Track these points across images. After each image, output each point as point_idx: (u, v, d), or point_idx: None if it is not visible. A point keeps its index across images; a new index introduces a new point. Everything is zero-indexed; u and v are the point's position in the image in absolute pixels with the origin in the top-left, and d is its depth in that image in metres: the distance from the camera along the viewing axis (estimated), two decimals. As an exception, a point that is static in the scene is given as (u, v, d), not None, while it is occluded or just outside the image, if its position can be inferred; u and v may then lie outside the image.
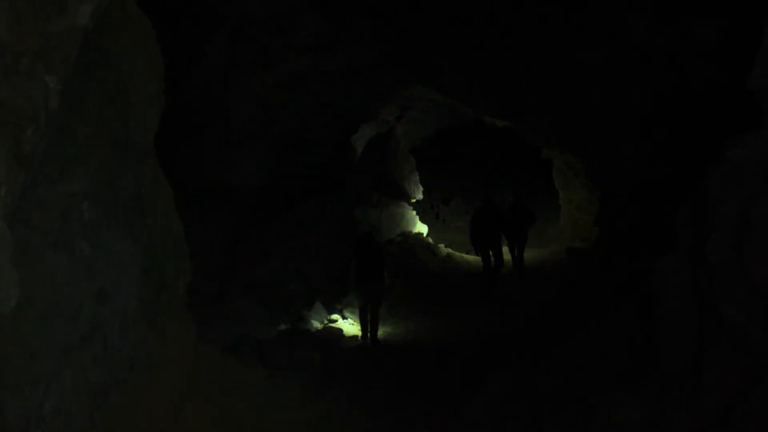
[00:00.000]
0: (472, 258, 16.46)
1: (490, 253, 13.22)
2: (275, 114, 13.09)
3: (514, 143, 19.35)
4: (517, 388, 7.00)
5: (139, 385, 4.54)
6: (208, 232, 11.64)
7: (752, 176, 4.36)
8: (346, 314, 12.09)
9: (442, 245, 17.43)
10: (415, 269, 15.01)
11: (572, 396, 6.03)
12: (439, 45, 11.36)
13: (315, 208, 13.83)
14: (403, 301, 12.97)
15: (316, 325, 11.49)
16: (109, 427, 4.23)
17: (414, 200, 18.09)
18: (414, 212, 17.75)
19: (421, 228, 17.94)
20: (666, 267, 5.24)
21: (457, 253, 17.23)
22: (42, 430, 3.59)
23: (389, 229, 16.34)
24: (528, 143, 17.47)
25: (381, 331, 11.05)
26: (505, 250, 14.26)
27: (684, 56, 8.29)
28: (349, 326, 11.65)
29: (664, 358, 5.25)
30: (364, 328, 10.89)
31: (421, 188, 18.49)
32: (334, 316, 11.97)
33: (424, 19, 10.75)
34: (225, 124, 12.72)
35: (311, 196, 13.87)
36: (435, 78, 13.14)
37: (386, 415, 7.01)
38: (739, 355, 4.38)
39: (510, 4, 9.47)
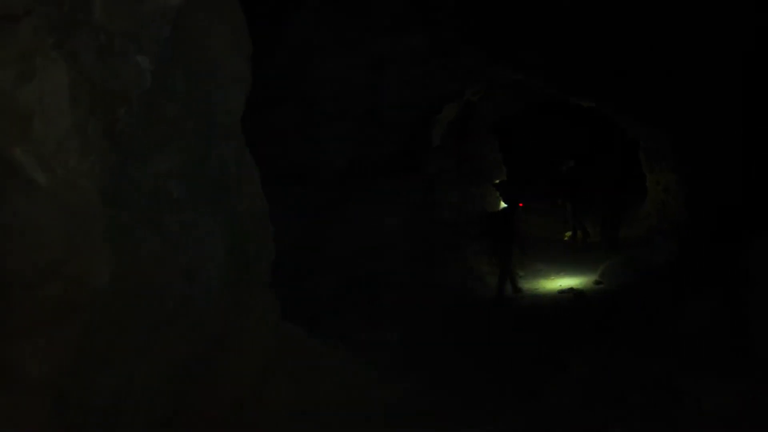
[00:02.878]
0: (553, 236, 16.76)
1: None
2: (355, 95, 13.08)
3: (600, 124, 18.85)
4: (600, 371, 6.87)
5: (223, 362, 4.61)
6: (289, 211, 11.74)
7: None
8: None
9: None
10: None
11: (657, 381, 5.87)
12: (522, 22, 11.12)
13: (394, 189, 13.79)
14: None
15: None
16: (194, 403, 4.32)
17: (497, 181, 17.84)
18: (497, 193, 17.54)
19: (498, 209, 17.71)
20: (763, 246, 5.00)
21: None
22: (131, 402, 3.68)
23: (470, 210, 16.20)
24: (614, 124, 17.01)
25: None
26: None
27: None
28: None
29: (758, 345, 5.03)
30: (497, 291, 12.28)
31: (503, 169, 18.22)
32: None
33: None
34: (305, 106, 12.78)
35: (390, 176, 13.84)
36: (518, 57, 12.89)
37: (467, 395, 6.96)
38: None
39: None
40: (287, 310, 6.05)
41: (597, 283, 12.88)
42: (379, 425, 5.94)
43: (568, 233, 17.19)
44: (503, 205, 15.56)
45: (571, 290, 12.50)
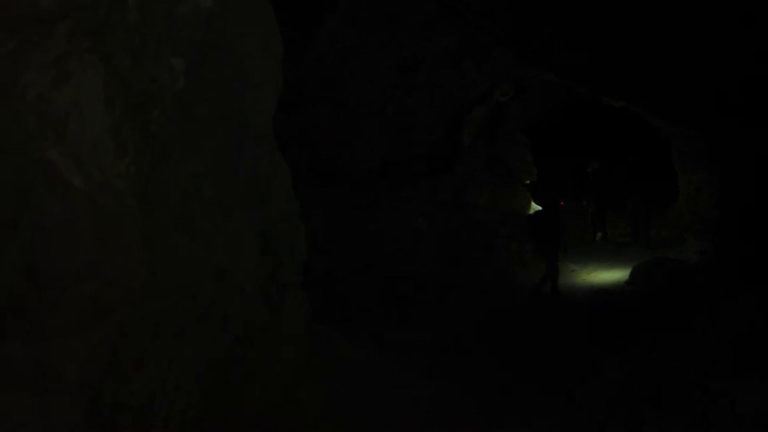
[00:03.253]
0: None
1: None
2: (387, 96, 13.09)
3: (631, 124, 18.65)
4: (633, 372, 6.80)
5: (255, 363, 4.62)
6: (321, 212, 11.78)
7: None
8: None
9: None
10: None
11: (691, 383, 5.80)
12: (554, 23, 11.04)
13: (425, 190, 13.78)
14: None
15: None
16: (226, 403, 4.33)
17: (527, 181, 17.76)
18: (528, 193, 17.47)
19: (536, 209, 17.64)
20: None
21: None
22: (165, 403, 3.70)
23: (501, 210, 16.13)
24: (646, 124, 16.82)
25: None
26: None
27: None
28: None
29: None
30: (537, 287, 12.53)
31: (534, 169, 18.13)
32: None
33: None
34: (337, 107, 12.82)
35: (422, 177, 13.83)
36: (549, 58, 12.81)
37: (501, 396, 6.93)
38: None
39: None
40: (319, 311, 6.06)
41: (629, 283, 12.77)
42: (412, 425, 5.93)
43: (599, 233, 17.14)
44: (536, 206, 15.58)
45: (603, 290, 12.39)
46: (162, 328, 3.63)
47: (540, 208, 15.77)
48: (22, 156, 2.67)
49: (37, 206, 2.72)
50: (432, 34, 12.24)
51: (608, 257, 15.09)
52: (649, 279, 12.28)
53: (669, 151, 17.73)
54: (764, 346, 5.74)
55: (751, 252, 8.48)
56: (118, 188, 3.01)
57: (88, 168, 2.85)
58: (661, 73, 11.05)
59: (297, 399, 5.06)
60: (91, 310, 2.94)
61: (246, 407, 4.47)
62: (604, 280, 13.46)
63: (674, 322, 7.94)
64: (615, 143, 21.50)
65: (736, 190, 11.36)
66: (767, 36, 8.75)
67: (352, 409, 5.65)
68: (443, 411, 6.47)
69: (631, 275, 12.98)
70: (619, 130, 21.47)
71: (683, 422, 5.32)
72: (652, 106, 13.98)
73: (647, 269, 12.96)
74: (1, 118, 2.62)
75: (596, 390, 6.75)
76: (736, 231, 10.66)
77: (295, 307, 5.26)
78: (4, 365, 2.78)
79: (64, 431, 2.96)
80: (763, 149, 9.90)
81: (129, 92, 3.03)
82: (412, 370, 7.57)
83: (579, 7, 10.39)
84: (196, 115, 4.04)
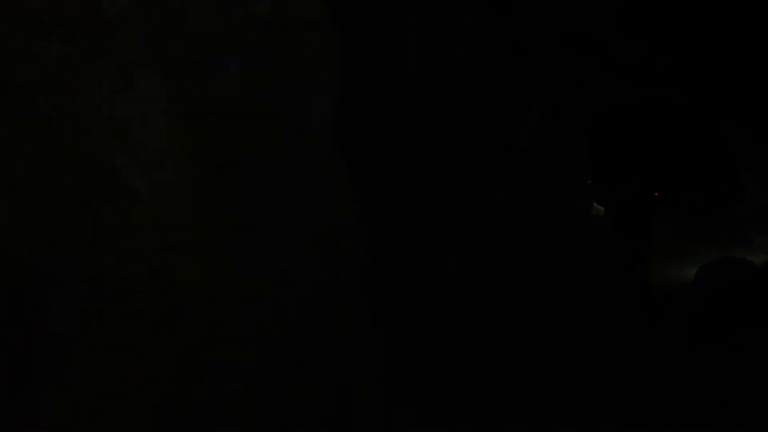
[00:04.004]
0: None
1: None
2: (441, 98, 13.03)
3: (698, 123, 18.23)
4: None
5: (316, 368, 4.62)
6: (379, 216, 11.77)
7: None
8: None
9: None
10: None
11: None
12: (613, 22, 10.85)
13: (482, 192, 13.66)
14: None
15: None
16: (287, 408, 4.33)
17: (588, 182, 17.50)
18: (588, 193, 17.22)
19: (598, 209, 17.39)
20: None
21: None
22: (226, 406, 3.72)
23: (562, 211, 15.92)
24: (711, 122, 16.41)
25: None
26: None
27: None
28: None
29: None
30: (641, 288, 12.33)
31: (593, 169, 17.85)
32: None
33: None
34: (392, 110, 12.81)
35: (478, 179, 13.72)
36: (607, 57, 12.60)
37: (566, 402, 6.83)
38: None
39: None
40: (379, 316, 6.04)
41: (696, 286, 12.47)
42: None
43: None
44: (598, 207, 15.54)
45: (666, 293, 12.15)
46: (224, 331, 3.65)
47: (602, 208, 15.53)
48: (88, 163, 2.72)
49: (102, 213, 2.76)
50: (486, 35, 12.16)
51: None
52: (716, 281, 11.95)
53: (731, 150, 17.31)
54: None
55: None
56: (179, 194, 3.04)
57: (151, 174, 2.89)
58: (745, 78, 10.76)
59: (360, 403, 5.05)
60: (155, 313, 2.97)
61: (309, 412, 4.47)
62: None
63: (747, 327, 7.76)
64: (675, 143, 21.07)
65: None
66: None
67: (415, 413, 5.61)
68: (509, 416, 6.39)
69: (697, 277, 12.67)
70: (680, 130, 21.05)
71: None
72: (727, 108, 13.58)
73: (714, 270, 12.64)
74: (66, 125, 2.67)
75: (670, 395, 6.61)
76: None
77: (356, 313, 5.26)
78: (75, 372, 2.83)
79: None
80: None
81: (188, 99, 3.06)
82: (475, 373, 7.49)
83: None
84: (254, 120, 4.07)
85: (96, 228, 2.76)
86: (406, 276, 12.10)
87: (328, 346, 4.81)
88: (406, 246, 12.87)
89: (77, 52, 2.65)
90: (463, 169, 13.64)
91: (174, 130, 3.04)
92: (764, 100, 10.95)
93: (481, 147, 13.90)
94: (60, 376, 2.85)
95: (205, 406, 3.47)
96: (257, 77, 3.94)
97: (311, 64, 4.62)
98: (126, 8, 2.74)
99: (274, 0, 3.51)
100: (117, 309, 2.86)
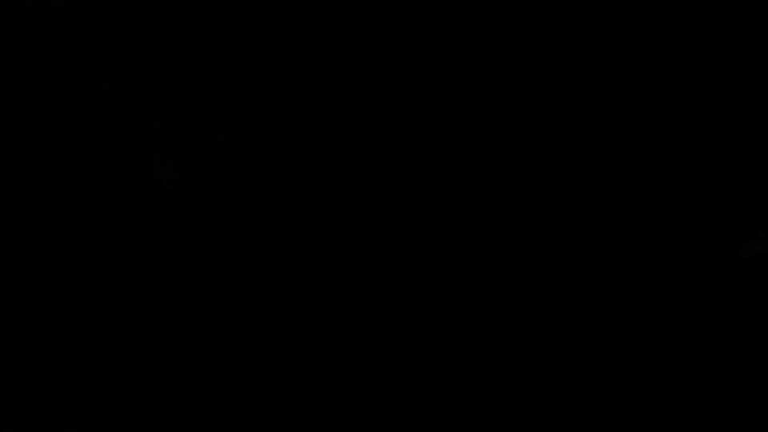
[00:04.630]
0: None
1: None
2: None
3: None
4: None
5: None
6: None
7: None
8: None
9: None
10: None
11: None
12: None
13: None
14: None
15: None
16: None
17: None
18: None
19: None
20: None
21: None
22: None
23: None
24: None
25: None
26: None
27: None
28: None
29: None
30: None
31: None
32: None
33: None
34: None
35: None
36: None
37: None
38: None
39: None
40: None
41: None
42: None
43: None
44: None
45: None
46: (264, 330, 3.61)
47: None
48: (132, 166, 2.70)
49: (147, 216, 2.74)
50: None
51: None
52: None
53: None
54: None
55: None
56: (224, 194, 3.01)
57: (196, 174, 2.86)
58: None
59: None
60: (202, 317, 2.94)
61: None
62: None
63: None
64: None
65: None
66: None
67: None
68: None
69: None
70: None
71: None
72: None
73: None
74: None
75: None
76: None
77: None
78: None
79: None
80: None
81: (233, 99, 3.04)
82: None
83: None
84: (296, 122, 4.03)
85: (141, 232, 2.74)
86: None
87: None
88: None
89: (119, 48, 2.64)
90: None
91: (219, 130, 3.02)
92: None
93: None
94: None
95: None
96: (300, 77, 3.91)
97: (358, 65, 4.58)
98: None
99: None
100: (165, 311, 2.84)
